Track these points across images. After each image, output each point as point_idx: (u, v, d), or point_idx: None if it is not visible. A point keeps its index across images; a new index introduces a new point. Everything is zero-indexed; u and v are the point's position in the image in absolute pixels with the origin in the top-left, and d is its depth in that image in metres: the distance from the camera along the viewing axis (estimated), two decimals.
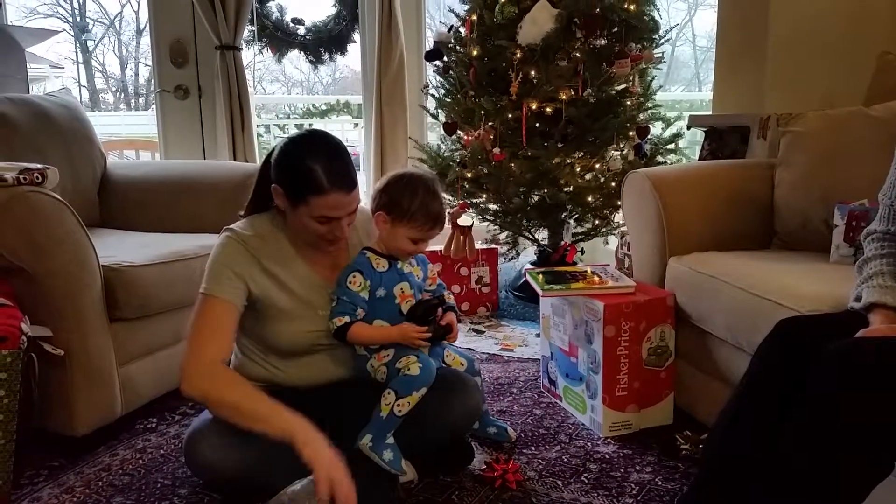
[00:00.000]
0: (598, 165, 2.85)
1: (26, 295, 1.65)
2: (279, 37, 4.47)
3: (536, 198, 2.95)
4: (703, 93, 6.90)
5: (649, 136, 2.92)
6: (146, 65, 10.63)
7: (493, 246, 3.16)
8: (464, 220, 3.01)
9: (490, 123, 2.84)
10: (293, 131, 5.61)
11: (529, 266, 3.05)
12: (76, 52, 10.77)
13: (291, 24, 4.49)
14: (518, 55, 2.76)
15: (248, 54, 3.93)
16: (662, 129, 3.10)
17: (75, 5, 10.85)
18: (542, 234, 3.19)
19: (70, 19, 10.86)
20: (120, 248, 2.00)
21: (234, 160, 3.56)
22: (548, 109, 2.76)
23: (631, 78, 2.87)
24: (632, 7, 2.78)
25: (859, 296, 1.34)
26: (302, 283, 1.60)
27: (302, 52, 4.62)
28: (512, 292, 3.27)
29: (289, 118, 6.40)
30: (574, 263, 2.93)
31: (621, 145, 2.88)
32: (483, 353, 2.55)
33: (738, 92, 2.87)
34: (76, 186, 2.42)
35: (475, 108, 2.90)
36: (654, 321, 1.87)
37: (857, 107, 2.07)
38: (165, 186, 2.55)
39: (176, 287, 1.97)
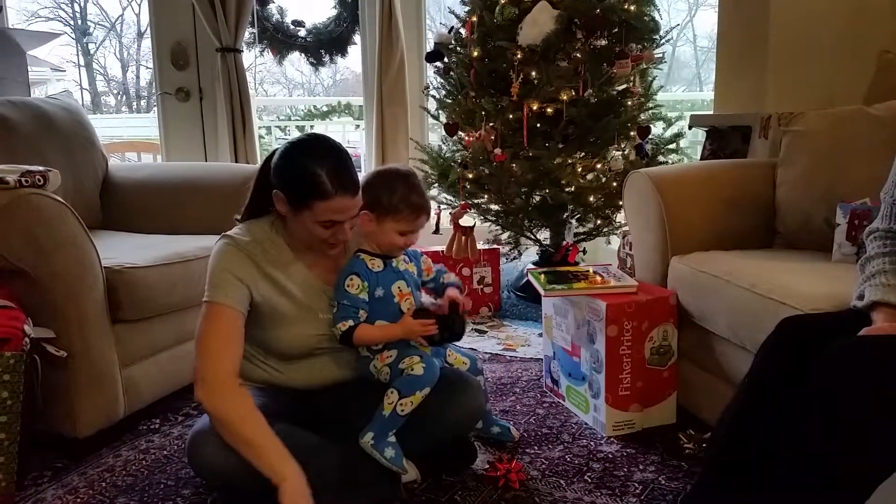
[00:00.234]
0: (599, 165, 2.85)
1: (29, 297, 1.65)
2: (280, 39, 4.48)
3: (538, 198, 2.95)
4: (705, 93, 6.90)
5: (650, 136, 2.92)
6: (147, 67, 10.65)
7: (495, 246, 3.16)
8: (465, 221, 3.01)
9: (491, 124, 2.84)
10: (294, 133, 5.62)
11: (531, 266, 3.05)
12: (77, 55, 10.80)
13: (292, 26, 4.50)
14: (519, 56, 2.76)
15: (248, 56, 3.94)
16: (664, 128, 3.10)
17: (76, 8, 10.88)
18: (544, 235, 3.19)
19: (71, 22, 10.88)
20: (122, 249, 2.00)
21: (236, 162, 3.57)
22: (549, 110, 2.76)
23: (632, 78, 2.87)
24: (632, 8, 2.79)
25: (862, 294, 1.34)
26: (302, 286, 1.60)
27: (303, 54, 4.62)
28: (514, 292, 3.27)
29: (290, 120, 6.41)
30: (576, 263, 2.93)
31: (622, 145, 2.88)
32: (486, 353, 2.55)
33: (740, 91, 2.87)
34: (78, 189, 2.42)
35: (476, 109, 2.90)
36: (656, 321, 1.87)
37: (857, 106, 2.07)
38: (167, 188, 2.55)
39: (178, 288, 1.98)
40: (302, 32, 4.52)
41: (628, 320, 1.82)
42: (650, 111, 3.00)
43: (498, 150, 2.80)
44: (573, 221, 3.09)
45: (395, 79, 3.69)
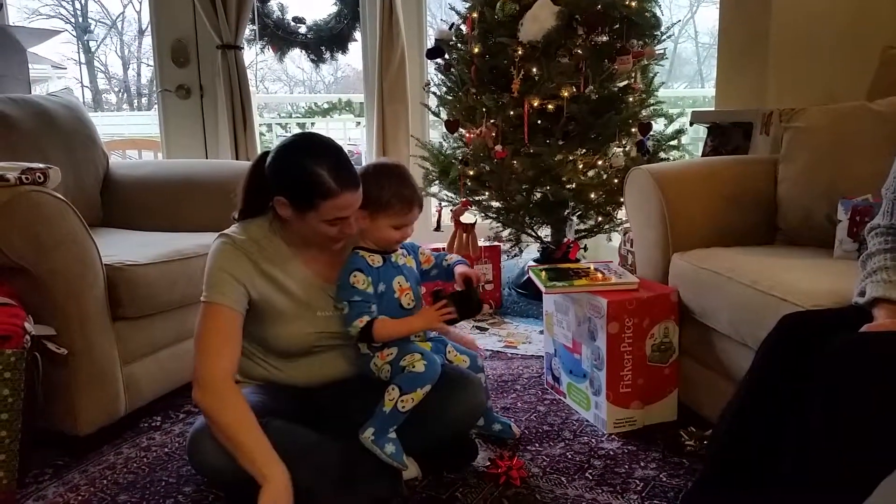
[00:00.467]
0: (600, 162, 2.85)
1: (29, 294, 1.65)
2: (280, 36, 4.47)
3: (539, 195, 2.95)
4: (706, 89, 6.88)
5: (652, 133, 2.92)
6: (148, 65, 10.63)
7: (496, 243, 3.16)
8: (466, 218, 3.01)
9: (492, 121, 2.83)
10: (295, 130, 5.61)
11: (532, 263, 3.04)
12: (78, 52, 10.79)
13: (292, 23, 4.49)
14: (519, 52, 2.75)
15: (249, 53, 3.93)
16: (665, 125, 3.09)
17: (77, 6, 10.86)
18: (545, 232, 3.19)
19: (72, 20, 10.88)
20: (122, 247, 2.00)
21: (237, 159, 3.57)
22: (549, 106, 2.75)
23: (633, 74, 2.86)
24: (633, 4, 2.78)
25: (863, 291, 1.34)
26: (300, 284, 1.60)
27: (303, 51, 4.62)
28: (515, 289, 3.27)
29: (291, 117, 6.40)
30: (577, 260, 2.93)
31: (624, 142, 2.88)
32: (487, 350, 2.55)
33: (741, 88, 2.87)
34: (78, 186, 2.42)
35: (477, 106, 2.89)
36: (657, 317, 1.87)
37: (860, 101, 2.06)
38: (168, 186, 2.55)
39: (178, 286, 1.98)
40: (303, 29, 4.52)
41: (629, 317, 1.82)
42: (651, 108, 2.99)
43: (499, 147, 2.80)
44: (574, 218, 3.09)
45: (395, 75, 3.68)
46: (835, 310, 1.38)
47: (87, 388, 1.75)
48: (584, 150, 2.87)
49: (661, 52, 2.96)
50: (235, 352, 1.53)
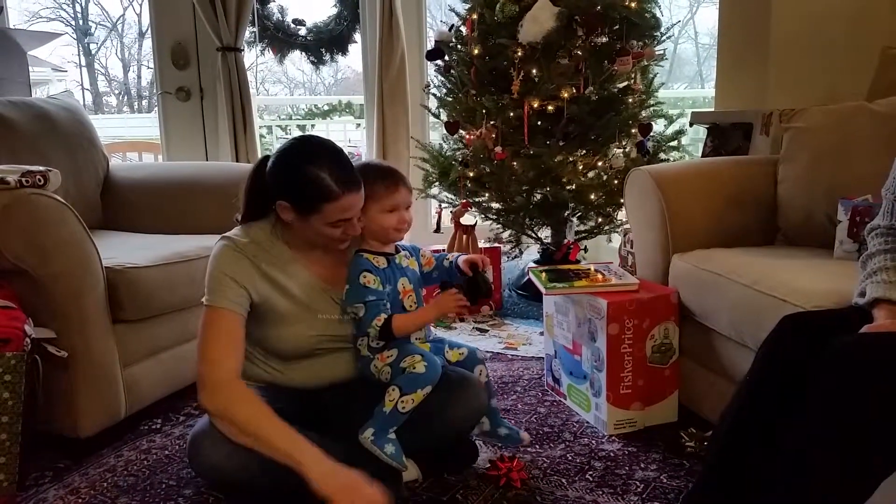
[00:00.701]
0: (600, 163, 2.85)
1: (29, 297, 1.65)
2: (280, 38, 4.47)
3: (539, 196, 2.95)
4: (706, 90, 6.88)
5: (652, 134, 2.92)
6: (149, 67, 10.64)
7: (496, 245, 3.15)
8: (466, 220, 3.01)
9: (492, 122, 2.83)
10: (295, 132, 5.61)
11: (532, 264, 3.04)
12: (79, 55, 10.80)
13: (292, 25, 4.49)
14: (519, 53, 2.75)
15: (249, 56, 3.93)
16: (665, 126, 3.09)
17: (77, 9, 10.88)
18: (545, 233, 3.19)
19: (72, 23, 10.89)
20: (122, 249, 2.00)
21: (237, 161, 3.57)
22: (549, 108, 2.75)
23: (633, 75, 2.86)
24: (633, 4, 2.78)
25: (863, 291, 1.34)
26: (302, 287, 1.60)
27: (303, 53, 4.62)
28: (515, 291, 3.27)
29: (291, 119, 6.41)
30: (577, 261, 2.93)
31: (624, 143, 2.88)
32: (487, 351, 2.55)
33: (741, 88, 2.87)
34: (79, 189, 2.42)
35: (477, 107, 2.89)
36: (657, 318, 1.87)
37: (860, 102, 2.06)
38: (168, 188, 2.55)
39: (178, 288, 1.98)
40: (302, 31, 4.52)
41: (629, 318, 1.82)
42: (651, 108, 2.99)
43: (499, 149, 2.80)
44: (574, 219, 3.09)
45: (395, 77, 3.68)
46: (835, 310, 1.38)
47: (88, 391, 1.75)
48: (584, 152, 2.87)
49: (661, 52, 2.95)
50: (239, 354, 1.53)
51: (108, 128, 7.41)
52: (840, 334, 1.19)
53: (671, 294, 1.90)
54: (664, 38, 2.95)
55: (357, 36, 4.36)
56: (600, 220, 3.08)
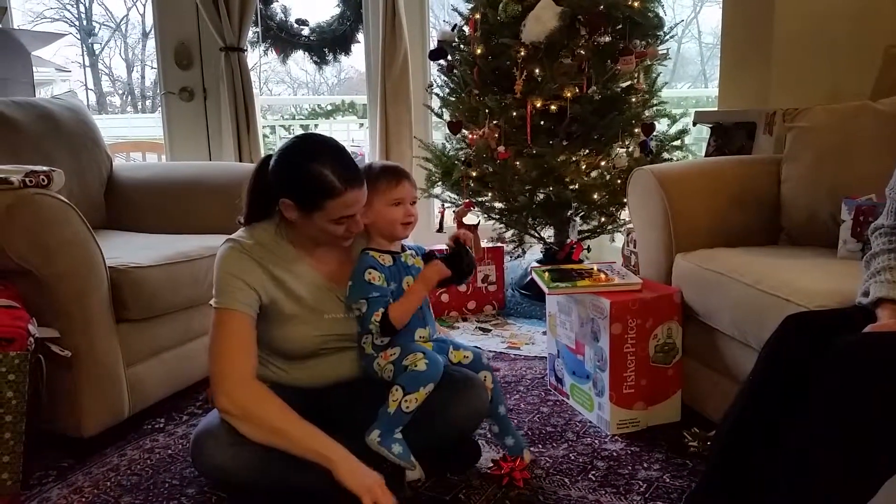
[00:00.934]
0: (603, 163, 2.84)
1: (33, 297, 1.66)
2: (283, 38, 4.47)
3: (542, 196, 2.94)
4: (710, 89, 6.87)
5: (655, 133, 2.91)
6: (152, 67, 10.67)
7: (499, 244, 3.15)
8: (469, 219, 3.01)
9: (495, 122, 2.83)
10: (298, 132, 5.62)
11: (535, 264, 3.04)
12: (83, 55, 10.83)
13: (295, 25, 4.49)
14: (522, 53, 2.75)
15: (252, 56, 3.93)
16: (668, 125, 3.09)
17: (81, 9, 10.91)
18: (548, 232, 3.18)
19: (76, 23, 10.92)
20: (126, 249, 2.00)
21: (240, 161, 3.57)
22: (552, 107, 2.75)
23: (636, 75, 2.86)
24: (636, 4, 2.78)
25: (867, 291, 1.33)
26: (309, 287, 1.60)
27: (306, 53, 4.62)
28: (518, 290, 3.26)
29: (294, 119, 6.42)
30: (580, 261, 2.93)
31: (627, 142, 2.88)
32: (490, 351, 2.55)
33: (744, 88, 2.86)
34: (82, 189, 2.43)
35: (480, 107, 2.89)
36: (660, 318, 1.86)
37: (863, 101, 2.06)
38: (171, 188, 2.55)
39: (182, 288, 1.98)
40: (306, 31, 4.52)
41: (632, 318, 1.82)
42: (654, 108, 2.99)
43: (501, 148, 2.80)
44: (577, 219, 3.09)
45: (398, 77, 3.68)
46: (838, 310, 1.38)
47: (91, 391, 1.76)
48: (587, 151, 2.87)
49: (665, 52, 2.95)
50: (253, 355, 1.54)
51: (111, 128, 7.44)
52: (843, 334, 1.19)
53: (674, 294, 1.89)
54: (667, 37, 2.94)
55: (360, 36, 4.35)
56: (603, 219, 3.08)
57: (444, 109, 3.20)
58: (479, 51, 2.89)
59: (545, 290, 1.95)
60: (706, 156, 2.78)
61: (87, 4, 10.93)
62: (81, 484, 1.68)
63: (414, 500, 1.57)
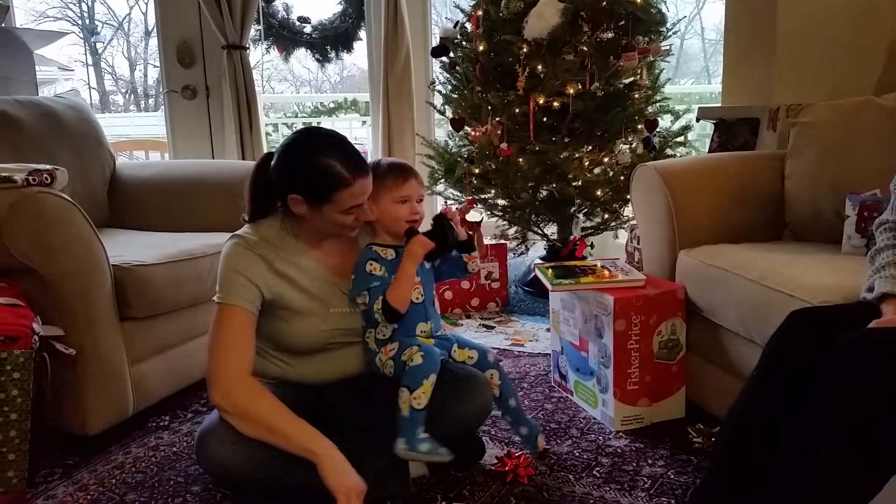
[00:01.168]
0: (606, 159, 2.84)
1: (37, 295, 1.66)
2: (286, 35, 4.47)
3: (545, 192, 2.94)
4: (713, 85, 6.85)
5: (658, 129, 2.91)
6: (155, 66, 10.67)
7: (502, 241, 3.15)
8: (472, 216, 3.00)
9: (497, 119, 2.83)
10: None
11: (539, 261, 3.04)
12: (86, 54, 10.82)
13: (298, 23, 4.49)
14: (524, 50, 2.75)
15: (255, 54, 3.94)
16: (671, 121, 3.08)
17: (84, 8, 10.90)
18: (552, 229, 3.18)
19: (79, 22, 10.92)
20: (130, 247, 2.01)
21: (243, 159, 3.57)
22: (555, 104, 2.74)
23: (639, 71, 2.85)
24: (638, 0, 2.77)
25: (871, 286, 1.33)
26: (315, 282, 1.60)
27: (309, 51, 4.62)
28: (522, 287, 3.26)
29: (297, 117, 6.41)
30: (584, 258, 2.92)
31: (630, 139, 2.87)
32: (494, 348, 2.55)
33: (748, 84, 2.85)
34: (85, 187, 2.43)
35: (482, 104, 2.89)
36: (664, 314, 1.86)
37: (867, 96, 2.05)
38: (174, 186, 2.56)
39: (185, 286, 1.98)
40: (308, 29, 4.52)
41: (636, 314, 1.82)
42: (658, 104, 2.98)
43: (504, 145, 2.80)
44: (580, 216, 3.08)
45: (400, 74, 3.68)
46: (843, 306, 1.37)
47: (96, 388, 1.76)
48: (590, 148, 2.86)
49: (667, 48, 2.94)
50: (251, 352, 1.54)
51: (114, 126, 7.44)
52: (848, 330, 1.19)
53: (678, 290, 1.89)
54: (670, 33, 2.94)
55: (362, 33, 4.35)
56: (606, 216, 3.08)
57: (446, 106, 3.20)
58: (481, 47, 2.89)
59: (549, 286, 1.95)
60: (709, 152, 2.77)
61: (89, 3, 10.93)
62: (87, 481, 1.68)
63: (418, 496, 1.57)
